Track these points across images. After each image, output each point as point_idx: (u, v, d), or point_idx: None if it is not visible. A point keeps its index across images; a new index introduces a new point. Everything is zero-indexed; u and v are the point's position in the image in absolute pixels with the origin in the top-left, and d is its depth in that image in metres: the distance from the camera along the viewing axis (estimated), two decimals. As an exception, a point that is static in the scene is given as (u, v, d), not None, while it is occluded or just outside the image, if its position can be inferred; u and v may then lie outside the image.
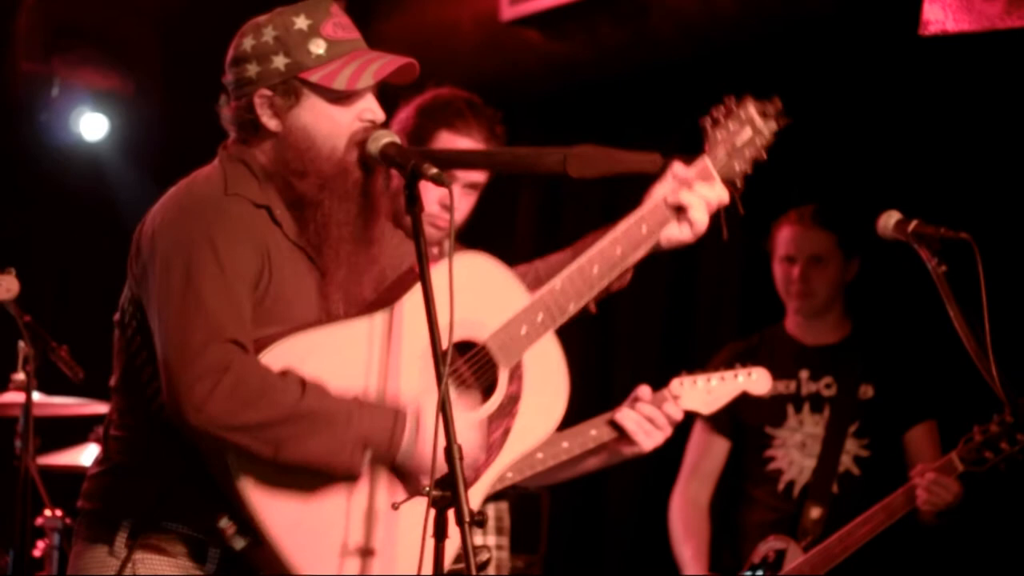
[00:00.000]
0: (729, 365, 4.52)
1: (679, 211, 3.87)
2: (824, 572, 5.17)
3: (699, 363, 4.88)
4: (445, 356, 3.18)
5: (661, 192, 3.89)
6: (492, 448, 3.52)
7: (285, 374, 3.27)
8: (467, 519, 3.09)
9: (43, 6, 7.21)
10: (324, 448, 3.25)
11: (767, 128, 3.97)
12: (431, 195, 4.44)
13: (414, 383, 3.41)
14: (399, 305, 3.46)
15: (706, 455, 5.77)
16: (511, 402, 3.57)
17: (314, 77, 3.42)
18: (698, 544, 5.69)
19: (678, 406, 4.33)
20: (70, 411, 5.87)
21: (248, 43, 3.46)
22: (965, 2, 4.58)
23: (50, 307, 7.30)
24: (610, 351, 7.05)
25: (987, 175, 5.74)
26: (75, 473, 5.54)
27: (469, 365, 3.58)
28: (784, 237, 5.67)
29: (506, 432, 3.54)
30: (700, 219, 3.86)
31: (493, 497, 4.56)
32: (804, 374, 5.58)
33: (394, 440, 3.31)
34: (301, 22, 3.44)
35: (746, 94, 3.96)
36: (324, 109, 3.45)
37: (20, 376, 5.35)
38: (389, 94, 4.53)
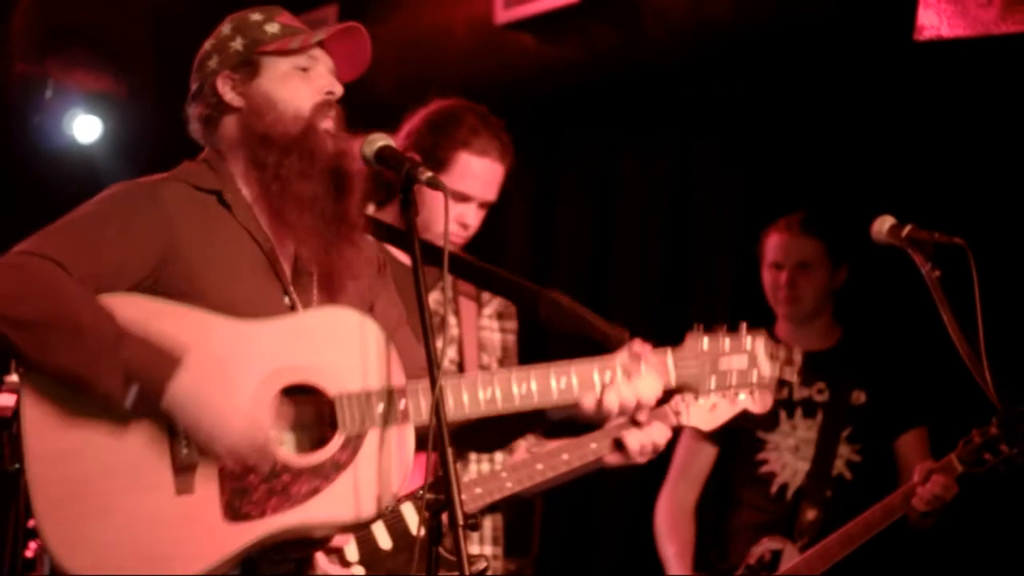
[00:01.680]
0: None
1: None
2: (821, 572, 5.20)
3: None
4: (436, 357, 3.23)
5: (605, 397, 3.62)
6: (292, 499, 3.35)
7: (95, 297, 3.28)
8: (461, 523, 3.10)
9: (37, 7, 7.20)
10: (84, 362, 3.22)
11: (768, 371, 3.78)
12: (449, 212, 4.51)
13: (240, 396, 3.34)
14: (293, 317, 3.48)
15: (694, 459, 5.81)
16: (333, 468, 3.38)
17: (271, 47, 3.55)
18: (682, 544, 5.74)
19: (679, 422, 4.32)
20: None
21: (208, 44, 3.64)
22: (960, 8, 4.59)
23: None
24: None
25: (982, 180, 5.75)
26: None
27: (302, 409, 3.46)
28: (772, 244, 5.74)
29: (313, 492, 3.36)
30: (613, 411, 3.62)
31: (488, 509, 4.57)
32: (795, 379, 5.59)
33: (158, 377, 3.23)
34: (256, 15, 3.61)
35: (764, 328, 3.79)
36: (283, 76, 3.56)
37: (13, 378, 5.32)
38: (393, 107, 4.55)
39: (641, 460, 4.29)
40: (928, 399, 5.53)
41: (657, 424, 4.27)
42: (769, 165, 6.56)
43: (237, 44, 3.57)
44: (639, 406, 3.60)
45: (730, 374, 3.71)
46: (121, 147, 7.53)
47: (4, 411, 5.43)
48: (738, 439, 5.63)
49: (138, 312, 3.32)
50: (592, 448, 4.34)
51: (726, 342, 3.69)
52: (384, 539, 3.92)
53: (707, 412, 4.38)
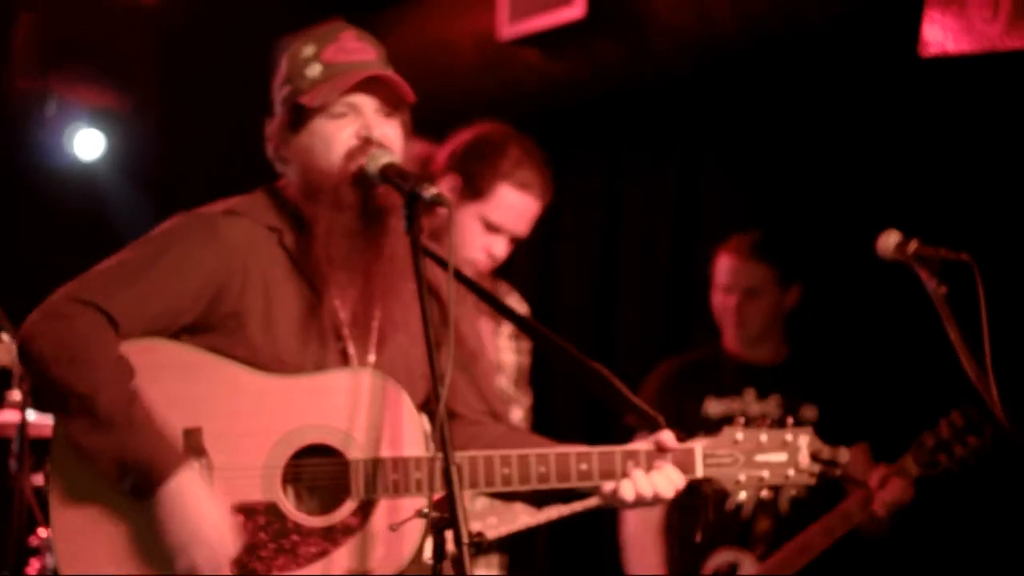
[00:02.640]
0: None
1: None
2: None
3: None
4: (443, 377, 3.19)
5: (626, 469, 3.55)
6: (299, 560, 3.38)
7: (122, 364, 3.34)
8: (465, 540, 3.08)
9: (40, 23, 7.19)
10: (89, 441, 3.33)
11: (807, 469, 3.58)
12: (477, 242, 4.50)
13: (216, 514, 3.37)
14: (322, 375, 3.47)
15: None
16: (342, 532, 3.40)
17: (304, 99, 3.50)
18: (651, 565, 5.68)
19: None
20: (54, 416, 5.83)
21: (282, 66, 3.59)
22: (965, 23, 4.58)
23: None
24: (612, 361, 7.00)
25: (987, 195, 5.74)
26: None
27: (318, 470, 3.46)
28: (723, 267, 5.73)
29: (320, 555, 3.39)
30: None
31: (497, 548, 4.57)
32: (750, 392, 5.60)
33: (152, 479, 3.32)
34: (308, 50, 3.55)
35: (812, 426, 3.63)
36: (320, 129, 3.51)
37: (15, 395, 5.32)
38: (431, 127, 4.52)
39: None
40: (871, 414, 5.56)
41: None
42: (774, 179, 6.55)
43: (285, 92, 3.55)
44: (656, 499, 3.51)
45: (765, 468, 3.55)
46: (124, 163, 7.52)
47: (7, 428, 5.44)
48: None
49: (163, 360, 3.40)
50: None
51: (764, 437, 3.56)
52: None
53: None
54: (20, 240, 7.46)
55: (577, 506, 4.33)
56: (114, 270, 3.45)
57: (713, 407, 5.59)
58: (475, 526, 3.80)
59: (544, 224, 7.35)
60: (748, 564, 5.36)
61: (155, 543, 3.36)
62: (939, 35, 4.59)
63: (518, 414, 4.82)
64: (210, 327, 3.45)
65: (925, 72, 5.06)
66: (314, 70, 3.51)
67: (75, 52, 7.32)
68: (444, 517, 3.15)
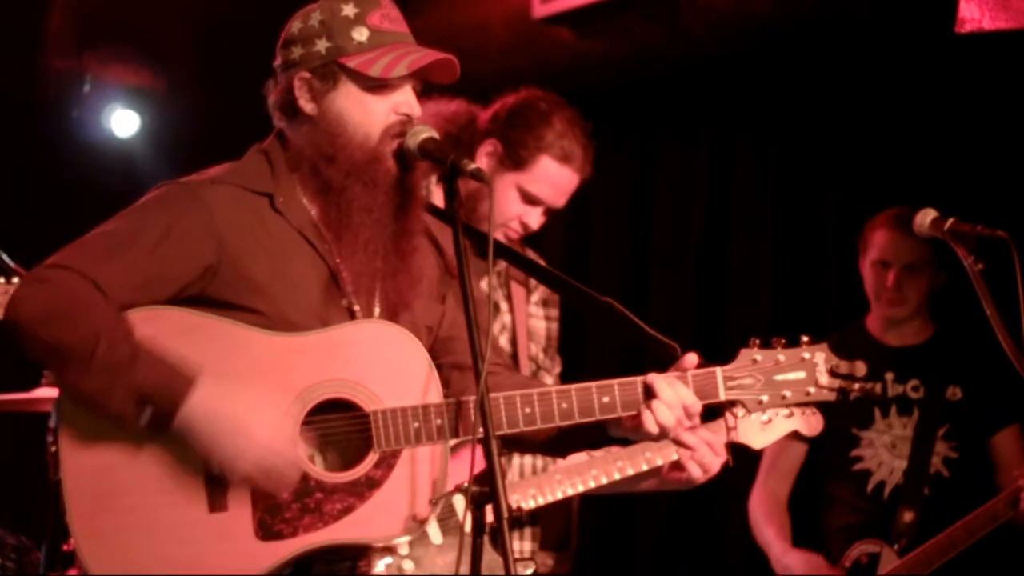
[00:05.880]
0: None
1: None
2: None
3: (732, 354, 4.87)
4: (483, 352, 3.23)
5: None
6: (324, 517, 3.35)
7: (118, 319, 3.30)
8: (505, 515, 3.10)
9: (75, 3, 7.23)
10: (96, 386, 3.26)
11: (827, 385, 3.55)
12: (512, 211, 4.49)
13: (268, 411, 3.33)
14: (332, 331, 3.43)
15: (783, 454, 5.72)
16: (368, 484, 3.36)
17: (352, 63, 3.44)
18: (779, 526, 5.66)
19: (732, 438, 4.20)
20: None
21: (296, 26, 3.51)
22: (1001, 0, 4.56)
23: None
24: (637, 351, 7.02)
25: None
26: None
27: (337, 425, 3.43)
28: (880, 241, 5.60)
29: (347, 510, 3.35)
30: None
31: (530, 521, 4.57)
32: (889, 376, 5.55)
33: (171, 396, 3.24)
34: (349, 9, 3.46)
35: (827, 340, 3.60)
36: (359, 96, 3.46)
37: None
38: (429, 101, 4.51)
39: (697, 473, 4.12)
40: (1022, 396, 5.48)
41: (713, 425, 4.15)
42: (809, 161, 6.53)
43: (321, 46, 3.45)
44: (688, 413, 3.48)
45: (785, 387, 3.53)
46: (159, 141, 7.55)
47: (45, 403, 5.47)
48: (830, 434, 5.56)
49: (169, 327, 3.34)
50: (647, 456, 4.30)
51: (782, 356, 3.53)
52: (436, 534, 3.89)
53: (759, 429, 4.33)
54: (56, 217, 7.50)
55: (616, 473, 4.31)
56: (97, 239, 3.40)
57: None
58: (513, 498, 3.82)
59: (574, 206, 7.40)
60: (890, 557, 5.33)
61: (188, 475, 3.31)
62: (975, 12, 4.57)
63: (548, 381, 4.80)
64: (207, 297, 3.39)
65: (961, 50, 5.04)
66: (361, 33, 3.44)
67: (110, 32, 7.35)
68: (484, 491, 3.17)
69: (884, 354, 5.57)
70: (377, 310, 3.52)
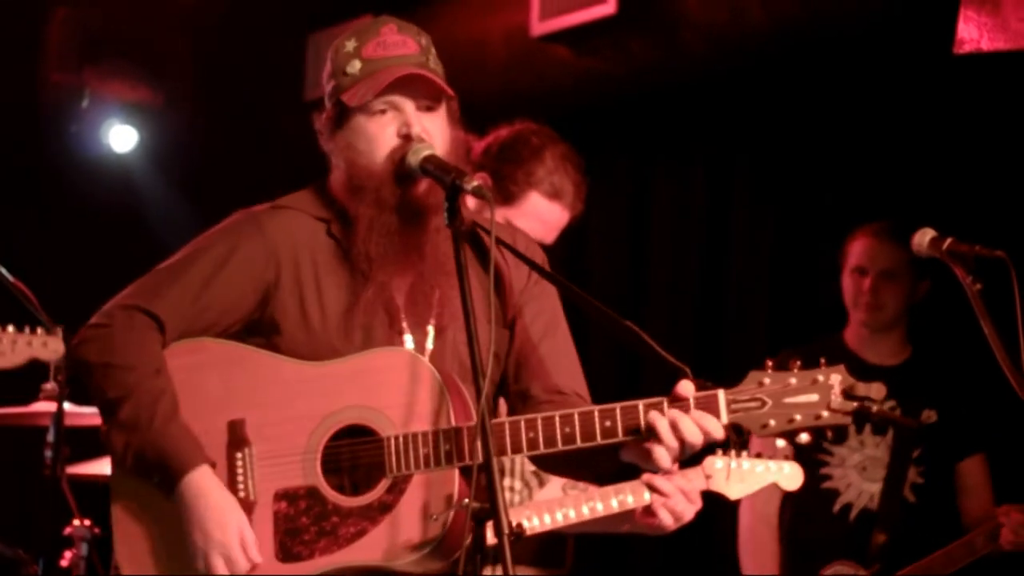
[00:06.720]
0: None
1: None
2: None
3: (730, 375, 4.86)
4: (484, 369, 3.24)
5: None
6: (339, 540, 3.42)
7: (158, 369, 3.48)
8: (506, 531, 3.11)
9: (74, 18, 7.25)
10: (116, 443, 3.50)
11: (841, 408, 3.34)
12: (546, 227, 4.53)
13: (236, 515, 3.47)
14: (356, 358, 3.51)
15: None
16: (380, 508, 3.42)
17: (345, 97, 3.52)
18: (759, 566, 5.65)
19: (708, 486, 4.24)
20: (100, 421, 5.86)
21: (328, 60, 3.61)
22: (1000, 21, 4.58)
23: (78, 319, 7.32)
24: (636, 364, 7.02)
25: (1022, 192, 5.72)
26: (104, 483, 5.54)
27: (355, 450, 3.48)
28: (857, 249, 5.63)
29: (360, 534, 3.41)
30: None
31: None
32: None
33: (170, 474, 3.43)
34: (350, 44, 3.55)
35: (843, 363, 3.40)
36: (361, 126, 3.53)
37: (51, 385, 5.35)
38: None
39: (668, 521, 4.15)
40: (991, 424, 5.48)
41: (690, 472, 4.17)
42: (807, 177, 6.54)
43: (329, 88, 3.57)
44: (683, 447, 3.35)
45: (795, 411, 3.33)
46: (157, 157, 7.56)
47: (43, 417, 5.47)
48: (804, 448, 5.55)
49: (213, 357, 3.52)
50: (620, 498, 4.27)
51: (794, 379, 3.34)
52: None
53: (737, 479, 4.33)
54: (54, 231, 7.51)
55: (588, 513, 4.30)
56: (163, 271, 3.56)
57: None
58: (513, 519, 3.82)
59: (572, 224, 7.40)
60: None
61: (183, 543, 3.47)
62: (974, 33, 4.60)
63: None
64: (265, 322, 3.52)
65: (958, 70, 5.06)
66: (354, 67, 3.51)
67: (109, 47, 7.37)
68: (484, 508, 3.18)
69: (862, 369, 5.54)
70: (430, 344, 3.56)
